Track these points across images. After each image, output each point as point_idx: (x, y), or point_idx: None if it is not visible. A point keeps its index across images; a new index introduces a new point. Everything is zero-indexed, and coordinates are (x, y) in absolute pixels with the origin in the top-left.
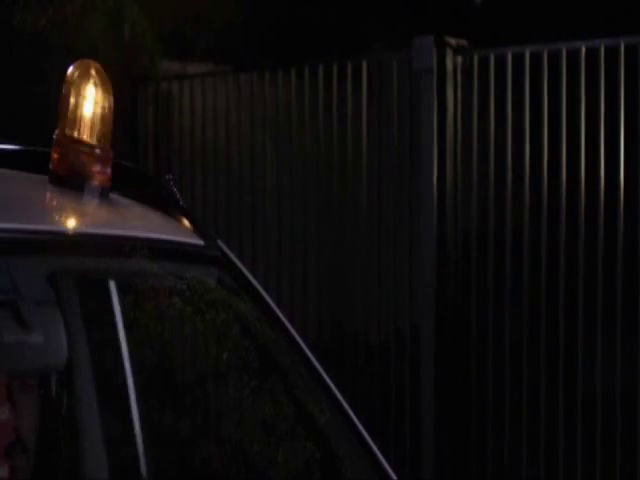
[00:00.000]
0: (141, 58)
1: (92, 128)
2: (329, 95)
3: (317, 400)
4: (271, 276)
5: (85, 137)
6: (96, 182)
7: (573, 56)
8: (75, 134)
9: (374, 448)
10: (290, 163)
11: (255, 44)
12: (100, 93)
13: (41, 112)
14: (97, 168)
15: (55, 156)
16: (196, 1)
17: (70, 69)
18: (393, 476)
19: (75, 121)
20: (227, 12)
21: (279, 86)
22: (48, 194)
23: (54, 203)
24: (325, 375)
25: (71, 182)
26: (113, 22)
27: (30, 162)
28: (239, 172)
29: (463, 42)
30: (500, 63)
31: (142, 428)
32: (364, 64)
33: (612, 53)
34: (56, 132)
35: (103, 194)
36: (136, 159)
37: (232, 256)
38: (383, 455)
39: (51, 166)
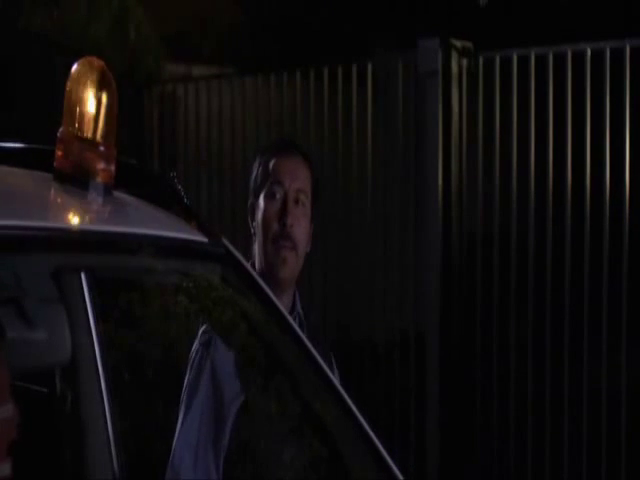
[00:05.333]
0: (146, 60)
1: (96, 125)
2: (334, 97)
3: (323, 399)
4: None
5: (89, 134)
6: (100, 179)
7: (578, 58)
8: (79, 132)
9: (380, 448)
10: None
11: (260, 46)
12: (104, 91)
13: (45, 113)
14: (101, 165)
15: (59, 154)
16: (201, 4)
17: (74, 67)
18: (399, 476)
19: (79, 119)
20: (232, 15)
21: (284, 88)
22: (52, 191)
23: (58, 200)
24: (331, 374)
25: (75, 179)
26: (118, 25)
27: (35, 160)
28: (244, 174)
29: (468, 44)
30: (505, 65)
31: (147, 426)
32: (369, 66)
33: (617, 55)
34: (60, 130)
35: (107, 191)
36: (141, 161)
37: (236, 253)
38: (389, 455)
39: (55, 164)
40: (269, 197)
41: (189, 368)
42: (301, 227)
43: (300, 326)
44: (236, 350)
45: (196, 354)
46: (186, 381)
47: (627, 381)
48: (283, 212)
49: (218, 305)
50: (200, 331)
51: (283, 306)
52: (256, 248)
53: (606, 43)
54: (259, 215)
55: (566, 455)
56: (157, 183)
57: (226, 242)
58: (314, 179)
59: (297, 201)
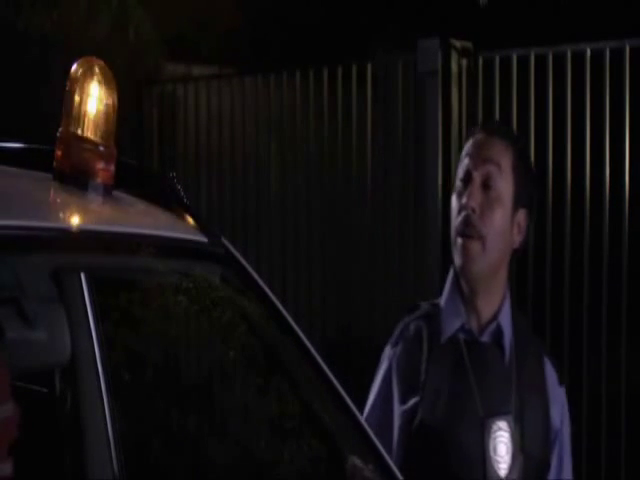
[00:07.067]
0: (146, 60)
1: (96, 125)
2: (334, 97)
3: (323, 399)
4: (276, 278)
5: (89, 134)
6: (100, 179)
7: (578, 58)
8: (79, 131)
9: (380, 448)
10: (295, 165)
11: (260, 46)
12: (104, 90)
13: (45, 113)
14: (101, 165)
15: (59, 154)
16: (201, 4)
17: (74, 66)
18: (399, 476)
19: (79, 118)
20: (232, 14)
21: (284, 88)
22: (52, 191)
23: (58, 200)
24: (331, 374)
25: (75, 179)
26: (118, 25)
27: (34, 160)
28: (243, 174)
29: (468, 44)
30: (505, 65)
31: (147, 426)
32: (369, 66)
33: (617, 55)
34: (60, 130)
35: (107, 191)
36: (141, 161)
37: (236, 253)
38: (389, 455)
39: (55, 164)
40: (458, 178)
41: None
42: (492, 217)
43: (498, 337)
44: (409, 354)
45: (383, 353)
46: None
47: (627, 382)
48: (465, 194)
49: (218, 305)
50: (402, 321)
51: (479, 315)
52: None
53: (606, 43)
54: (452, 198)
55: None
56: (157, 183)
57: (226, 242)
58: (518, 162)
59: (487, 185)
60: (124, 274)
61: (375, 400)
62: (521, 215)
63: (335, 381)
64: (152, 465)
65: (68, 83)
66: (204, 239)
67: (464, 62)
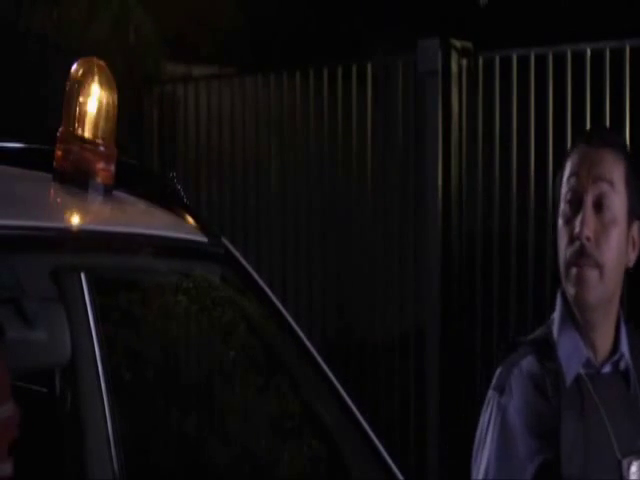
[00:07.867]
0: (146, 61)
1: (96, 125)
2: (334, 97)
3: (323, 399)
4: (276, 278)
5: (89, 134)
6: (100, 179)
7: (578, 58)
8: (79, 131)
9: (380, 448)
10: (295, 165)
11: (260, 46)
12: (104, 91)
13: (45, 113)
14: (101, 165)
15: (59, 154)
16: (201, 4)
17: (74, 67)
18: (399, 476)
19: (79, 118)
20: (232, 14)
21: (284, 88)
22: (52, 191)
23: (58, 200)
24: (331, 374)
25: (75, 179)
26: (118, 25)
27: (34, 160)
28: (244, 174)
29: (468, 44)
30: (505, 65)
31: (147, 426)
32: (369, 66)
33: (617, 55)
34: (60, 130)
35: (107, 191)
36: (141, 161)
37: (236, 253)
38: (389, 455)
39: (55, 164)
40: (565, 200)
41: (482, 412)
42: (609, 241)
43: (625, 373)
44: (522, 409)
45: (488, 401)
46: (478, 428)
47: None
48: (577, 221)
49: (218, 305)
50: (497, 372)
51: (597, 345)
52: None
53: (606, 43)
54: (559, 222)
55: None
56: (157, 183)
57: (226, 242)
58: (630, 174)
59: (600, 205)
60: (124, 274)
61: (497, 459)
62: (635, 228)
63: (335, 381)
64: (152, 465)
65: (68, 83)
66: (204, 239)
67: (464, 62)
